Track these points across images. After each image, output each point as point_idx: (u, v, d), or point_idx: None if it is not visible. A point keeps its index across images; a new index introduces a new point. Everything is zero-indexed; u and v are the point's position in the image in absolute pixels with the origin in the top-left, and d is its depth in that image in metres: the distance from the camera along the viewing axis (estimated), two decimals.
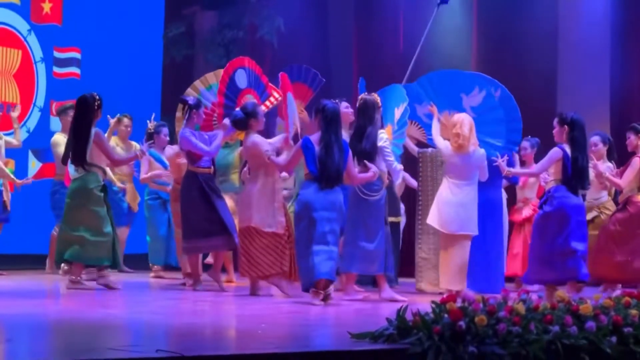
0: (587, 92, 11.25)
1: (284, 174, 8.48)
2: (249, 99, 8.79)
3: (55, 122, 10.97)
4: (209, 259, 9.15)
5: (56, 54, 11.56)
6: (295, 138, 8.35)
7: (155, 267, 10.24)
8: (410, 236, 9.72)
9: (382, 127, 8.12)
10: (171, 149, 9.35)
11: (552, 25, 11.70)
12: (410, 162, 9.87)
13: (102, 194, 8.22)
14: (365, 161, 7.76)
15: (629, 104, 11.05)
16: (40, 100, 11.41)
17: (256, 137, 8.21)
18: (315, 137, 7.46)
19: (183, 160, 8.82)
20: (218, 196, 8.55)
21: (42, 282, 9.37)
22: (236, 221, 8.49)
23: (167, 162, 9.59)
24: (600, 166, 8.90)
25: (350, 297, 7.86)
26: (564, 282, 8.21)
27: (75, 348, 4.64)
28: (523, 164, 9.66)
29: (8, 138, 10.07)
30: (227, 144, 9.29)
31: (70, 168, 8.62)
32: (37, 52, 11.43)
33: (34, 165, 11.13)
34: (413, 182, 9.71)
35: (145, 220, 10.28)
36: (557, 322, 5.10)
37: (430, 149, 9.18)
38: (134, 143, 10.21)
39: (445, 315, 4.78)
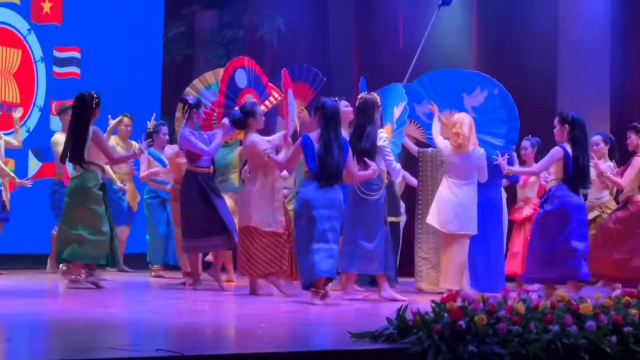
0: (587, 92, 11.26)
1: (285, 172, 8.48)
2: (249, 98, 8.79)
3: (55, 122, 10.97)
4: (209, 257, 9.16)
5: (56, 54, 11.56)
6: (295, 136, 8.36)
7: (155, 266, 10.24)
8: (410, 235, 9.71)
9: (381, 126, 8.12)
10: (171, 149, 9.35)
11: (552, 25, 11.70)
12: (410, 162, 9.87)
13: (100, 193, 8.22)
14: (365, 159, 7.76)
15: (629, 103, 11.06)
16: (40, 100, 11.41)
17: (255, 137, 8.21)
18: (314, 135, 7.46)
19: (183, 160, 8.83)
20: (217, 195, 8.55)
21: (42, 281, 9.37)
22: (236, 220, 8.49)
23: (166, 161, 9.59)
24: (601, 165, 8.90)
25: (350, 297, 7.86)
26: (563, 282, 8.22)
27: (75, 347, 4.64)
28: (523, 163, 9.66)
29: (8, 138, 10.07)
30: (227, 143, 9.29)
31: (69, 167, 8.62)
32: (37, 52, 11.43)
33: (33, 164, 11.13)
34: (413, 181, 9.71)
35: (144, 219, 10.29)
36: (557, 322, 5.10)
37: (430, 149, 9.18)
38: (134, 142, 10.21)
39: (445, 315, 4.78)
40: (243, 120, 8.28)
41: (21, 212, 10.47)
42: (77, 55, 11.65)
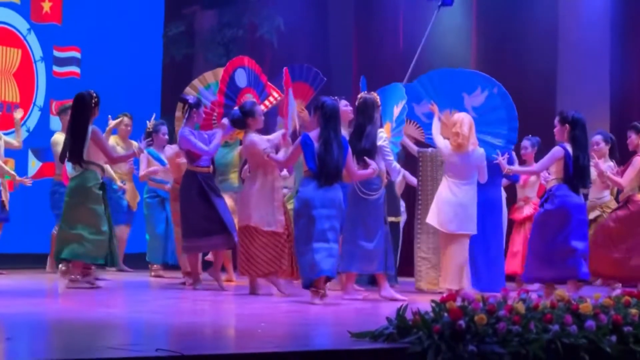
0: (587, 91, 11.25)
1: (285, 172, 8.48)
2: (249, 98, 8.79)
3: (55, 122, 10.97)
4: (209, 257, 9.16)
5: (56, 53, 11.56)
6: (294, 135, 8.37)
7: (155, 266, 10.24)
8: (410, 235, 9.71)
9: (381, 125, 8.12)
10: (171, 149, 9.35)
11: (552, 25, 11.70)
12: (410, 161, 9.87)
13: (100, 192, 8.22)
14: (365, 157, 7.75)
15: (629, 103, 11.06)
16: (40, 100, 11.40)
17: (254, 136, 8.21)
18: (314, 134, 7.46)
19: (183, 160, 8.83)
20: (217, 195, 8.55)
21: (42, 281, 9.37)
22: (236, 220, 8.49)
23: (165, 161, 9.60)
24: (601, 165, 8.90)
25: (350, 297, 7.86)
26: (563, 281, 8.22)
27: (75, 347, 4.64)
28: (523, 163, 9.66)
29: (8, 138, 10.06)
30: (227, 143, 9.29)
31: (68, 166, 8.62)
32: (37, 52, 11.43)
33: (33, 164, 11.13)
34: (413, 180, 9.72)
35: (144, 218, 10.30)
36: (556, 321, 5.10)
37: (430, 149, 9.18)
38: (134, 142, 10.21)
39: (445, 315, 4.78)
40: (242, 120, 8.29)
41: (21, 212, 10.47)
42: (77, 55, 11.65)
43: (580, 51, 11.57)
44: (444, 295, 5.18)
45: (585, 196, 8.73)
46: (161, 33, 12.56)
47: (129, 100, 11.26)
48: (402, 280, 9.45)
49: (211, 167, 8.64)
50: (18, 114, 10.16)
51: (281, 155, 8.12)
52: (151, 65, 12.39)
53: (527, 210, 9.68)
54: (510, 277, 9.42)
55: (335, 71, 11.94)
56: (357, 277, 8.33)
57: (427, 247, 9.12)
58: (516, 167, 8.99)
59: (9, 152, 10.19)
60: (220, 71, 9.18)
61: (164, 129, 10.00)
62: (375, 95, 8.09)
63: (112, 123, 9.80)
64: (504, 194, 9.43)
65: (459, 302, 4.92)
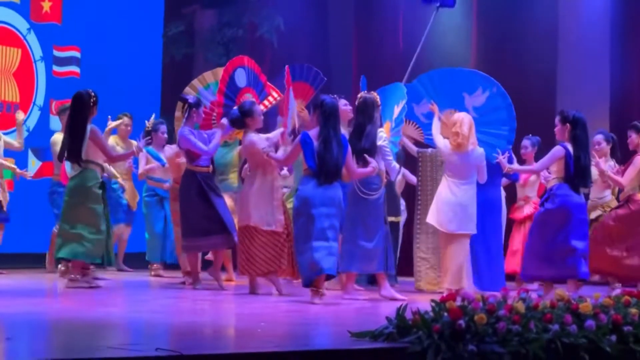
0: (587, 91, 11.25)
1: (285, 171, 8.48)
2: (248, 97, 8.79)
3: (55, 121, 10.97)
4: (209, 256, 9.16)
5: (56, 53, 11.55)
6: (294, 133, 8.37)
7: (155, 265, 10.25)
8: (410, 233, 9.69)
9: (380, 125, 8.11)
10: (170, 149, 9.36)
11: (552, 25, 11.70)
12: (410, 162, 9.86)
13: (100, 191, 8.22)
14: (365, 155, 7.74)
15: (629, 103, 11.06)
16: (40, 99, 11.40)
17: (254, 136, 8.21)
18: (313, 133, 7.45)
19: (183, 160, 8.83)
20: (217, 195, 8.55)
21: (42, 281, 9.36)
22: (236, 220, 8.49)
23: (164, 160, 9.61)
24: (602, 164, 8.90)
25: (350, 296, 7.86)
26: (562, 280, 8.23)
27: (75, 347, 4.64)
28: (523, 162, 9.66)
29: (8, 139, 10.04)
30: (226, 142, 9.29)
31: (67, 166, 8.62)
32: (37, 51, 11.43)
33: (33, 164, 11.12)
34: (412, 178, 9.72)
35: (143, 217, 10.30)
36: (556, 321, 5.10)
37: (430, 149, 9.17)
38: (133, 142, 10.20)
39: (445, 314, 4.79)
40: (241, 120, 8.29)
41: (21, 212, 10.47)
42: (77, 54, 11.64)
43: (580, 51, 11.56)
44: (444, 294, 5.18)
45: (587, 196, 8.73)
46: (161, 33, 12.55)
47: (129, 100, 11.26)
48: (402, 280, 9.45)
49: (211, 166, 8.64)
50: (20, 115, 10.15)
51: (280, 153, 8.11)
52: (151, 64, 12.38)
53: (528, 210, 9.68)
54: (510, 276, 9.42)
55: (335, 71, 11.93)
56: (356, 276, 8.33)
57: (426, 247, 9.12)
58: (516, 166, 8.99)
59: (9, 151, 10.18)
60: (219, 71, 9.17)
61: (163, 128, 10.00)
62: (375, 95, 8.09)
63: (112, 124, 9.80)
64: (503, 194, 9.43)
65: (458, 302, 4.92)
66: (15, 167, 9.91)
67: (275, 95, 9.18)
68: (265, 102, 9.10)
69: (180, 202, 8.68)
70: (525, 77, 11.11)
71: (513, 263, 9.48)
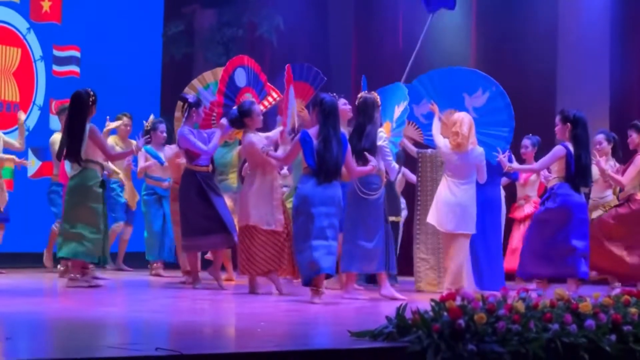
0: (586, 91, 11.25)
1: (285, 170, 8.47)
2: (248, 97, 8.79)
3: (54, 121, 10.96)
4: (209, 256, 9.17)
5: (56, 53, 11.55)
6: (293, 132, 8.37)
7: (155, 264, 10.25)
8: (411, 231, 9.68)
9: (380, 124, 8.11)
10: (170, 150, 9.36)
11: (551, 25, 11.69)
12: (410, 162, 9.86)
13: (100, 190, 8.23)
14: (365, 153, 7.74)
15: (629, 102, 11.05)
16: (39, 99, 11.39)
17: (253, 137, 8.21)
18: (313, 131, 7.45)
19: (182, 161, 8.83)
20: (216, 194, 8.55)
21: (42, 280, 9.36)
22: (236, 220, 8.49)
23: (163, 159, 9.61)
24: (603, 163, 8.91)
25: (350, 296, 7.86)
26: (561, 279, 8.24)
27: (75, 346, 4.64)
28: (523, 162, 9.67)
29: (8, 139, 10.03)
30: (226, 142, 9.29)
31: (67, 165, 8.61)
32: (37, 51, 11.42)
33: (33, 163, 11.12)
34: (412, 177, 9.72)
35: (142, 216, 10.31)
36: (556, 321, 5.10)
37: (430, 150, 9.17)
38: (133, 142, 10.21)
39: (445, 314, 4.78)
40: (240, 120, 8.28)
41: (21, 211, 10.47)
42: (77, 54, 11.64)
43: (580, 51, 11.56)
44: (444, 294, 5.18)
45: (588, 196, 8.73)
46: (161, 32, 12.55)
47: (129, 100, 11.25)
48: (402, 280, 9.44)
49: (210, 166, 8.64)
50: (22, 116, 10.13)
51: (280, 152, 8.11)
52: (151, 64, 12.38)
53: (528, 209, 9.69)
54: (509, 275, 9.42)
55: (335, 71, 11.93)
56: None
57: (426, 248, 9.11)
58: (517, 164, 9.00)
59: (9, 151, 10.16)
60: (219, 71, 9.17)
61: (162, 126, 10.00)
62: (375, 95, 8.09)
63: (110, 125, 9.77)
64: (502, 193, 9.43)
65: (458, 301, 4.92)
66: (13, 157, 9.86)
67: (275, 95, 9.17)
68: (265, 102, 9.10)
69: (180, 201, 8.68)
70: (525, 77, 11.10)
71: (512, 261, 9.49)
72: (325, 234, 7.30)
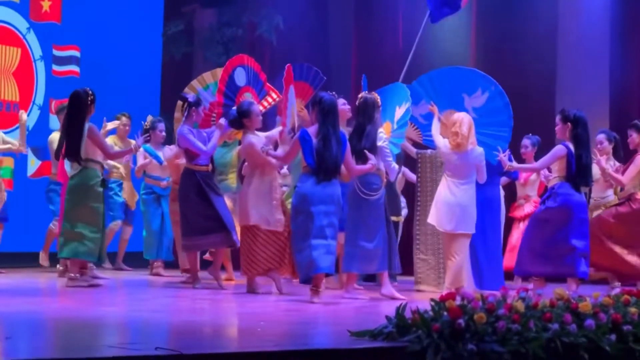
0: (586, 91, 11.25)
1: (284, 170, 8.47)
2: (248, 97, 8.79)
3: (54, 121, 10.96)
4: (207, 256, 9.17)
5: (55, 52, 11.55)
6: (293, 131, 8.37)
7: (155, 264, 10.25)
8: (411, 230, 9.68)
9: (380, 125, 8.11)
10: (170, 150, 9.36)
11: (551, 25, 11.69)
12: (410, 162, 9.85)
13: (101, 189, 8.23)
14: (365, 151, 7.73)
15: (629, 102, 11.06)
16: (39, 99, 11.39)
17: (252, 137, 8.21)
18: (312, 130, 7.45)
19: (182, 161, 8.83)
20: (216, 193, 8.55)
21: (41, 280, 9.37)
22: (236, 221, 8.50)
23: (162, 158, 9.60)
24: (603, 162, 8.91)
25: (350, 296, 7.85)
26: (560, 278, 8.24)
27: (75, 346, 4.64)
28: (523, 162, 9.68)
29: (8, 138, 10.00)
30: (226, 143, 9.29)
31: (67, 164, 8.61)
32: (37, 50, 11.42)
33: (33, 163, 11.12)
34: (412, 176, 9.72)
35: (141, 215, 10.32)
36: (556, 320, 5.10)
37: (429, 150, 9.16)
38: (132, 142, 10.20)
39: (445, 313, 4.78)
40: (239, 121, 8.29)
41: (20, 211, 10.47)
42: (77, 53, 11.64)
43: (580, 51, 11.56)
44: (443, 294, 5.18)
45: (588, 195, 8.74)
46: (160, 32, 12.55)
47: (129, 99, 11.26)
48: (402, 280, 9.45)
49: (210, 165, 8.64)
50: (24, 116, 10.11)
51: (279, 152, 8.11)
52: (150, 63, 12.38)
53: (528, 208, 9.70)
54: (508, 273, 9.42)
55: (335, 71, 11.93)
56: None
57: (425, 248, 9.11)
58: (516, 164, 9.00)
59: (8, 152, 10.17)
60: (219, 71, 9.17)
61: (162, 126, 10.00)
62: (375, 95, 8.09)
63: (108, 125, 9.73)
64: (502, 193, 9.43)
65: (458, 301, 4.92)
66: (14, 142, 9.78)
67: (275, 95, 9.17)
68: (264, 103, 9.10)
69: (179, 201, 8.68)
70: (525, 77, 11.11)
71: (511, 259, 9.49)
72: (325, 233, 7.30)
